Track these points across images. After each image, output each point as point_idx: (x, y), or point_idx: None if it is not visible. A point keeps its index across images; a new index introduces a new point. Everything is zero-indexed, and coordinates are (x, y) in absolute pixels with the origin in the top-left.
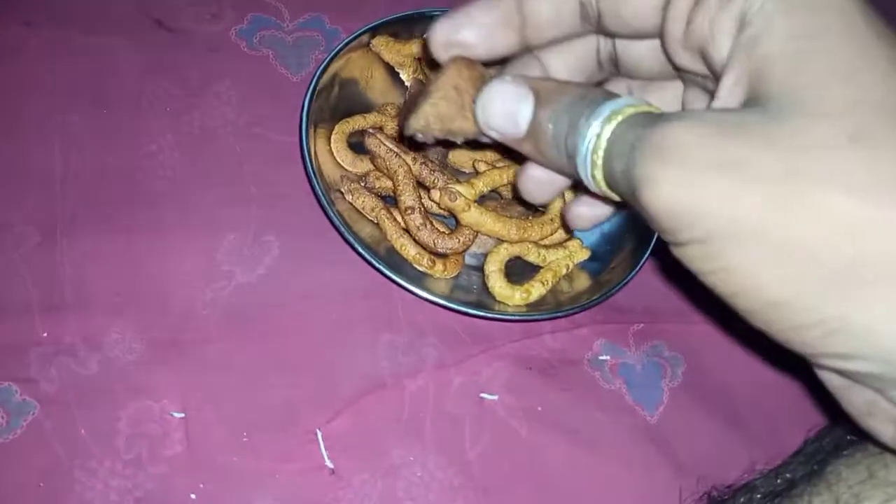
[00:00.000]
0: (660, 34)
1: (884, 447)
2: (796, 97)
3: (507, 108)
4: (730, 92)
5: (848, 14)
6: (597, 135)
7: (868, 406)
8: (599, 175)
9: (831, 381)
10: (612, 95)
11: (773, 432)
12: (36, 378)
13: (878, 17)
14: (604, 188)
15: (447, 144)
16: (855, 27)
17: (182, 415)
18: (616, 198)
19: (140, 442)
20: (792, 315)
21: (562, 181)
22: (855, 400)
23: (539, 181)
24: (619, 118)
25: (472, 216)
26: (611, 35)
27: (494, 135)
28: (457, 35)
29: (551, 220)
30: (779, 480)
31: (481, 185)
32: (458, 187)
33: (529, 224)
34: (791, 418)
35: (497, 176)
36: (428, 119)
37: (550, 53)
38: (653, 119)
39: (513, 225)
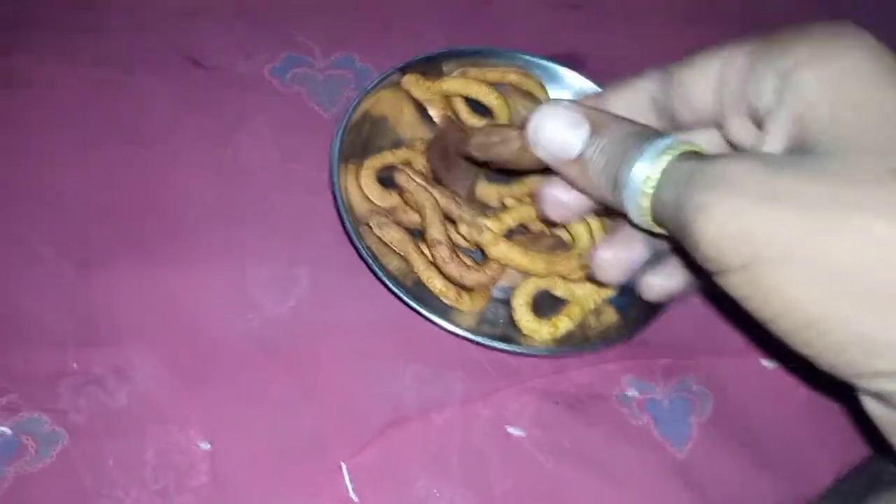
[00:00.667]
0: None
1: None
2: (839, 139)
3: (560, 131)
4: (774, 138)
5: (876, 57)
6: (650, 167)
7: None
8: (647, 205)
9: (875, 409)
10: (664, 134)
11: (802, 470)
12: (65, 408)
13: None
14: (648, 220)
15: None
16: (884, 69)
17: (208, 446)
18: (657, 229)
19: (166, 473)
20: (834, 333)
21: (584, 206)
22: None
23: (560, 203)
24: (673, 153)
25: (500, 250)
26: (680, 126)
27: (542, 154)
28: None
29: (579, 254)
30: None
31: (509, 220)
32: (486, 221)
33: (557, 258)
34: (820, 457)
35: (526, 211)
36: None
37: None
38: (706, 157)
39: (541, 259)
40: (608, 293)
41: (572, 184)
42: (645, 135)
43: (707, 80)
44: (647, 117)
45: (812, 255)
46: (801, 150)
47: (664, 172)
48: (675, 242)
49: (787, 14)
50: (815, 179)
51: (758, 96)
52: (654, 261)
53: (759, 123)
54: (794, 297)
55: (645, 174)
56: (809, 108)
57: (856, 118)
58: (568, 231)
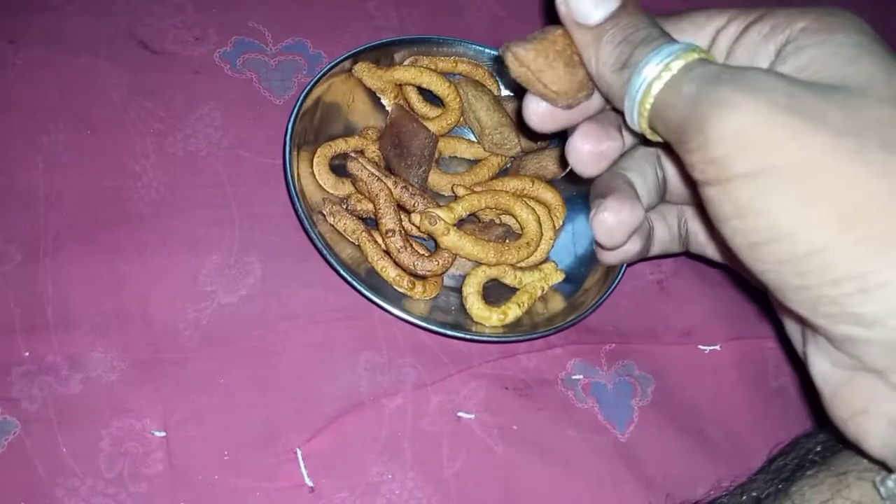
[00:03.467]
0: None
1: (866, 456)
2: (851, 84)
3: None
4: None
5: (871, 34)
6: (668, 60)
7: (864, 401)
8: (651, 99)
9: (828, 375)
10: (655, 44)
11: (738, 449)
12: (17, 397)
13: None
14: (644, 118)
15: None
16: (879, 43)
17: (163, 434)
18: (646, 129)
19: (121, 460)
20: (830, 267)
21: (564, 119)
22: (851, 395)
23: (540, 114)
24: (697, 54)
25: (451, 240)
26: None
27: (563, 9)
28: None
29: (527, 243)
30: (744, 497)
31: (460, 209)
32: (438, 211)
33: (507, 248)
34: (755, 436)
35: (476, 200)
36: (527, 55)
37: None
38: (725, 67)
39: (491, 248)
40: (556, 278)
41: (581, 55)
42: (663, 37)
43: (697, 38)
44: None
45: (829, 180)
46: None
47: (685, 68)
48: (665, 146)
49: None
50: (838, 105)
51: (752, 61)
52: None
53: None
54: (799, 221)
55: (660, 67)
56: (816, 61)
57: (862, 72)
58: (517, 219)
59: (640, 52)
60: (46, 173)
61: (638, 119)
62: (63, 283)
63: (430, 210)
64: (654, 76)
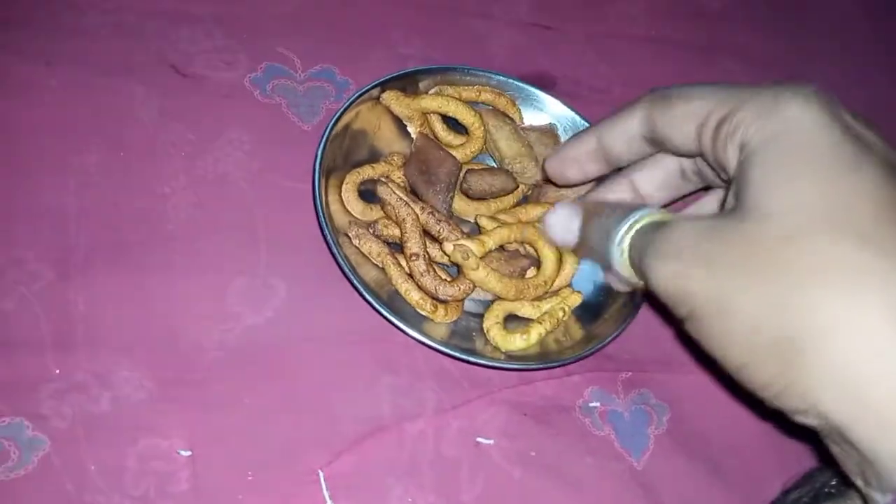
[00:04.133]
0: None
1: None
2: (759, 201)
3: (563, 225)
4: (730, 191)
5: (816, 116)
6: (622, 239)
7: (859, 467)
8: (627, 268)
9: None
10: (635, 208)
11: (752, 479)
12: (47, 414)
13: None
14: (629, 275)
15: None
16: (819, 126)
17: (189, 453)
18: (639, 282)
19: (148, 479)
20: (754, 376)
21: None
22: (847, 462)
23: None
24: (638, 226)
25: (479, 275)
26: (673, 154)
27: (553, 242)
28: (560, 171)
29: (544, 282)
30: None
31: (491, 243)
32: (470, 245)
33: (525, 286)
34: (769, 467)
35: (506, 233)
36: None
37: (641, 174)
38: (660, 225)
39: (512, 286)
40: (574, 300)
41: (581, 253)
42: (618, 214)
43: (685, 134)
44: (639, 146)
45: (732, 311)
46: (735, 209)
47: (631, 243)
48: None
49: (748, 41)
50: (734, 243)
51: (725, 160)
52: None
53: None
54: (726, 345)
55: (621, 247)
56: (746, 168)
57: (777, 181)
58: (538, 254)
59: (608, 245)
60: (77, 193)
61: (636, 280)
62: (93, 301)
63: (462, 243)
64: (620, 260)
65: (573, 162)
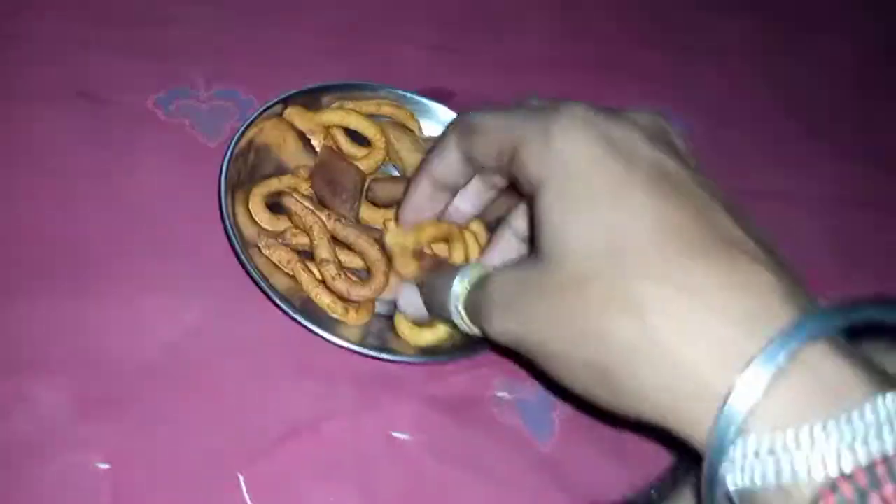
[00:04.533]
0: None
1: None
2: (546, 250)
3: (412, 304)
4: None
5: (586, 138)
6: (457, 305)
7: None
8: (471, 327)
9: None
10: (455, 273)
11: (654, 456)
12: None
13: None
14: (476, 331)
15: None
16: (582, 178)
17: (108, 466)
18: (470, 325)
19: (67, 495)
20: (595, 399)
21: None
22: None
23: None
24: (467, 287)
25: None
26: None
27: (415, 320)
28: (417, 218)
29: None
30: (652, 491)
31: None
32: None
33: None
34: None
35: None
36: None
37: (461, 199)
38: (482, 283)
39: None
40: None
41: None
42: (449, 283)
43: (489, 162)
44: (466, 168)
45: (554, 352)
46: (534, 253)
47: (464, 303)
48: None
49: (638, 60)
50: (537, 293)
51: (522, 188)
52: None
53: None
54: (565, 379)
55: (459, 311)
56: (534, 207)
57: (561, 223)
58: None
59: (446, 307)
60: None
61: (475, 330)
62: (6, 325)
63: (363, 237)
64: (461, 319)
65: (422, 207)
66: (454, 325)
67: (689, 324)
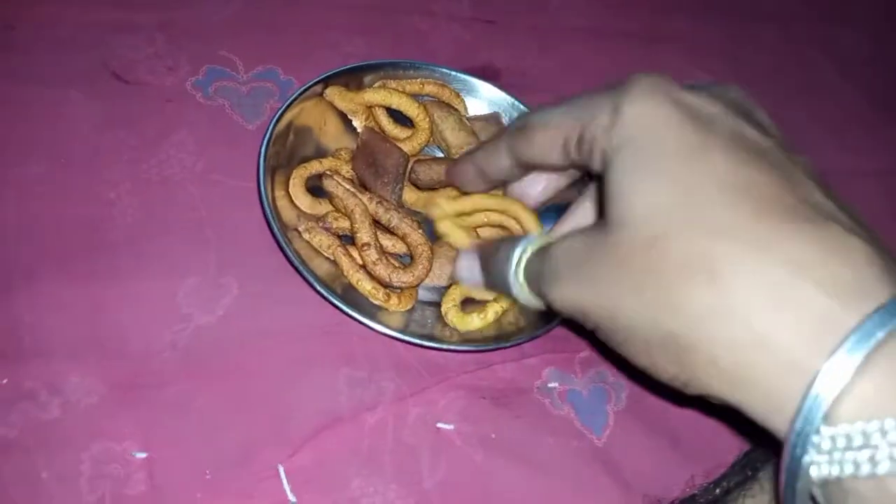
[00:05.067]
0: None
1: None
2: (617, 214)
3: (468, 271)
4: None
5: (660, 106)
6: (516, 273)
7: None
8: (530, 297)
9: None
10: (518, 242)
11: (710, 449)
12: None
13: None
14: (536, 302)
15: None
16: (657, 145)
17: (144, 455)
18: (539, 304)
19: (103, 483)
20: (661, 374)
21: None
22: None
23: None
24: (526, 257)
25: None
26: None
27: (470, 288)
28: (457, 182)
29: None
30: (717, 490)
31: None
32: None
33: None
34: (726, 436)
35: (479, 199)
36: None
37: (523, 185)
38: (545, 250)
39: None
40: None
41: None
42: (507, 251)
43: (553, 157)
44: (513, 171)
45: (622, 320)
46: (603, 221)
47: (525, 276)
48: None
49: (686, 29)
50: (606, 258)
51: (592, 168)
52: None
53: None
54: (631, 351)
55: (518, 280)
56: (605, 178)
57: (632, 187)
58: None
59: (507, 277)
60: (19, 206)
61: (533, 300)
62: (39, 311)
63: (406, 220)
64: (520, 289)
65: (464, 180)
66: (511, 297)
67: (773, 290)
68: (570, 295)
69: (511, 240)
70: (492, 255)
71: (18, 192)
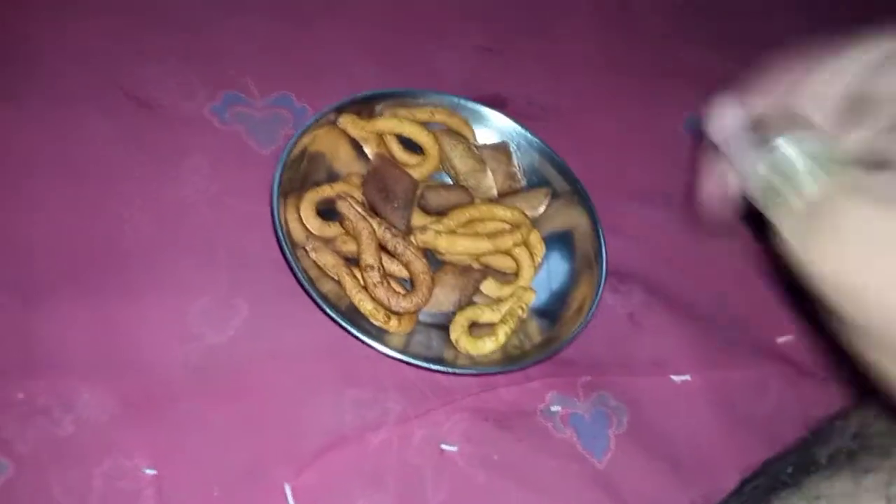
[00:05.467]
0: None
1: None
2: None
3: (733, 117)
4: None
5: None
6: (769, 185)
7: None
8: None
9: None
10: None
11: (710, 474)
12: (10, 438)
13: None
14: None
15: None
16: None
17: (154, 472)
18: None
19: (114, 499)
20: None
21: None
22: None
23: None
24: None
25: (446, 241)
26: None
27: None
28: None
29: (512, 231)
30: None
31: (449, 222)
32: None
33: (500, 235)
34: (726, 461)
35: (462, 213)
36: None
37: None
38: (828, 191)
39: (485, 238)
40: (530, 297)
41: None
42: (769, 146)
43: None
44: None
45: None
46: None
47: (782, 183)
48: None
49: (698, 64)
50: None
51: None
52: None
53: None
54: None
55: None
56: None
57: None
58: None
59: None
60: (35, 221)
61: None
62: (55, 327)
63: (411, 247)
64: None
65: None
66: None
67: None
68: (853, 270)
69: (786, 120)
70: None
71: (35, 208)
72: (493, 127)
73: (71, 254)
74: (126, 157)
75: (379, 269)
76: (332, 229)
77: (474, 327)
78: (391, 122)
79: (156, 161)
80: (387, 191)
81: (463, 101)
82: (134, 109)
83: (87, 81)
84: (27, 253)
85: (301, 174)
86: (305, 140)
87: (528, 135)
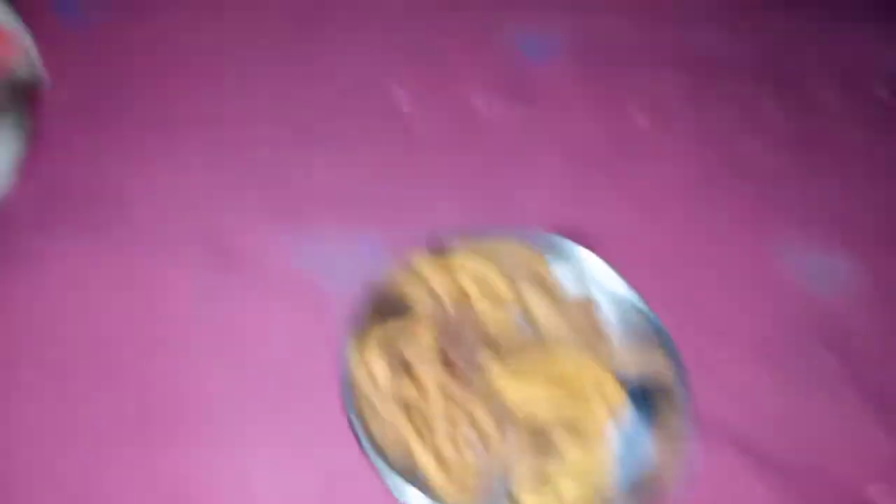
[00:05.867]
0: None
1: None
2: None
3: None
4: None
5: None
6: None
7: None
8: None
9: None
10: None
11: None
12: None
13: None
14: None
15: None
16: None
17: None
18: None
19: None
20: None
21: None
22: None
23: None
24: None
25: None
26: None
27: None
28: None
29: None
30: None
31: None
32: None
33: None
34: None
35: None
36: None
37: None
38: None
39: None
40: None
41: None
42: None
43: None
44: None
45: None
46: None
47: None
48: None
49: (800, 199)
50: None
51: None
52: None
53: None
54: None
55: None
56: None
57: None
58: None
59: None
60: (108, 370)
61: None
62: (111, 474)
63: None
64: None
65: None
66: None
67: None
68: None
69: None
70: None
71: (107, 358)
72: (576, 263)
73: (138, 406)
74: (202, 311)
75: (447, 428)
76: (400, 377)
77: None
78: (468, 266)
79: (233, 308)
80: (459, 337)
81: (546, 237)
82: (212, 258)
83: (171, 232)
84: (93, 397)
85: (373, 313)
86: (382, 284)
87: (616, 274)
